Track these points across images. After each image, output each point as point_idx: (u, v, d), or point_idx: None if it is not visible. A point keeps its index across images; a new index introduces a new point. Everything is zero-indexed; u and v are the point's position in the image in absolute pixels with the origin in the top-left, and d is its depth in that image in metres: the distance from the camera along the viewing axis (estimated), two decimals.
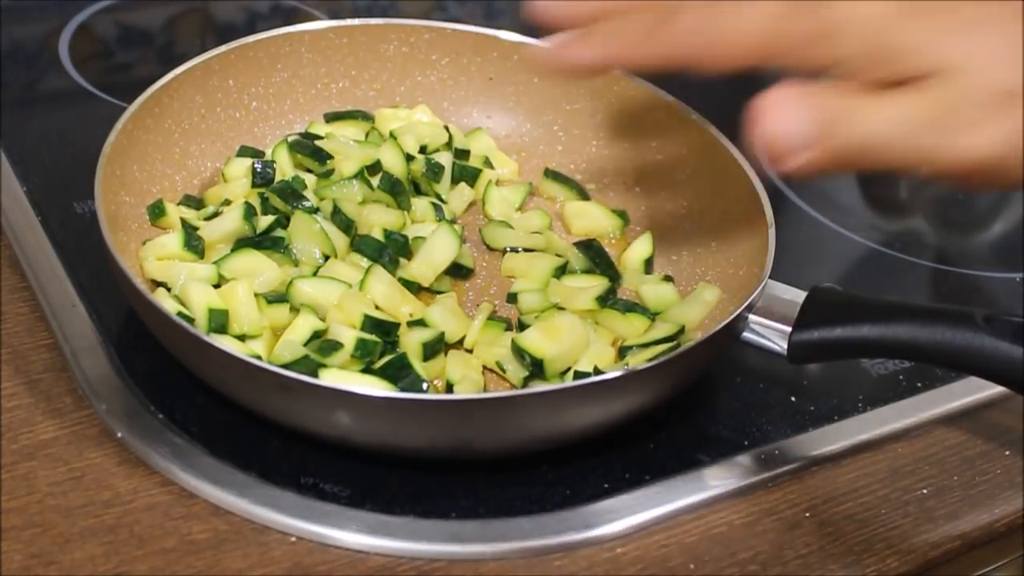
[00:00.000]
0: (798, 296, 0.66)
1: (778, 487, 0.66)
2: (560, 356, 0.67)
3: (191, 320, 0.65)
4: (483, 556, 0.60)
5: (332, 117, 0.83)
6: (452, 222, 0.77)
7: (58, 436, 0.62)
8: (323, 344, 0.65)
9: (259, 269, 0.70)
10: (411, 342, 0.67)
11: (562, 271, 0.75)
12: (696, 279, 0.76)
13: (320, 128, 0.82)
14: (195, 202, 0.76)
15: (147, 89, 0.73)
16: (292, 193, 0.74)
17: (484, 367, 0.68)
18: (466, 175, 0.81)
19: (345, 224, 0.73)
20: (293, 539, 0.59)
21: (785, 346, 0.65)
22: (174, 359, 0.64)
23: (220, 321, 0.65)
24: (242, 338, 0.66)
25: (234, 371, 0.59)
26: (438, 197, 0.79)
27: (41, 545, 0.57)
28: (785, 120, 0.54)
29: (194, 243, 0.71)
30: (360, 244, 0.72)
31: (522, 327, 0.70)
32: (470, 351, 0.69)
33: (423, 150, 0.81)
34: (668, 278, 0.76)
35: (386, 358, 0.65)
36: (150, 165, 0.74)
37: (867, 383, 0.73)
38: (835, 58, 0.54)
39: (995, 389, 0.71)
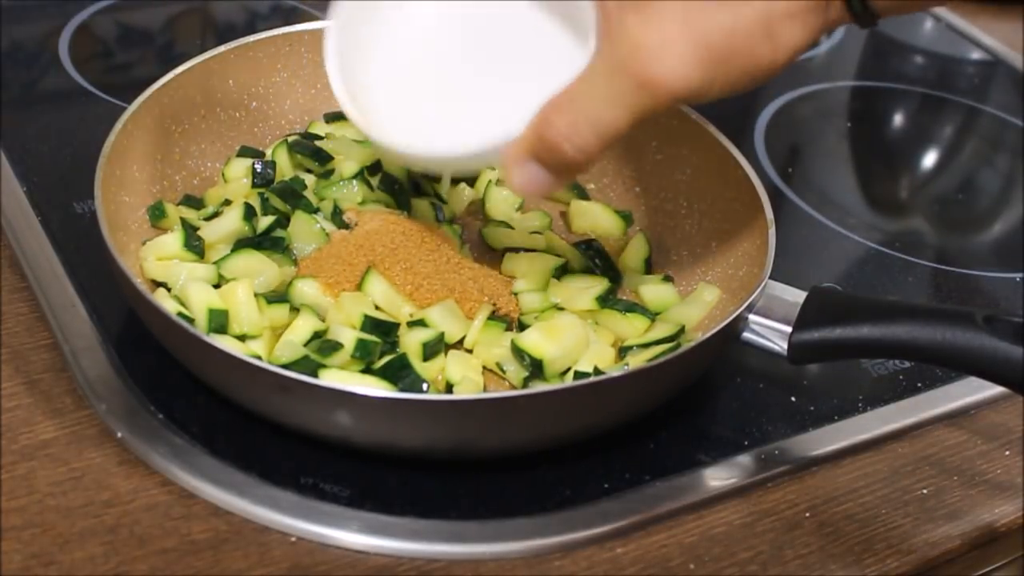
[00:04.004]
0: (798, 296, 0.66)
1: (778, 487, 0.66)
2: (560, 356, 0.67)
3: (191, 320, 0.65)
4: (483, 556, 0.60)
5: (332, 117, 0.83)
6: (452, 222, 0.77)
7: (58, 436, 0.62)
8: (323, 344, 0.65)
9: (259, 269, 0.70)
10: (411, 342, 0.66)
11: (562, 271, 0.75)
12: (696, 279, 0.76)
13: (320, 128, 0.82)
14: (195, 202, 0.76)
15: (147, 89, 0.73)
16: (292, 193, 0.74)
17: (484, 367, 0.68)
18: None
19: (345, 224, 0.73)
20: (293, 539, 0.59)
21: (785, 346, 0.65)
22: (174, 359, 0.64)
23: (220, 321, 0.65)
24: (242, 338, 0.66)
25: (234, 371, 0.59)
26: (438, 197, 0.79)
27: (41, 545, 0.57)
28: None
29: (194, 243, 0.70)
30: None
31: (522, 327, 0.70)
32: (470, 351, 0.69)
33: None
34: (668, 278, 0.76)
35: (386, 358, 0.65)
36: (150, 165, 0.74)
37: (867, 383, 0.73)
38: None
39: (995, 389, 0.71)
